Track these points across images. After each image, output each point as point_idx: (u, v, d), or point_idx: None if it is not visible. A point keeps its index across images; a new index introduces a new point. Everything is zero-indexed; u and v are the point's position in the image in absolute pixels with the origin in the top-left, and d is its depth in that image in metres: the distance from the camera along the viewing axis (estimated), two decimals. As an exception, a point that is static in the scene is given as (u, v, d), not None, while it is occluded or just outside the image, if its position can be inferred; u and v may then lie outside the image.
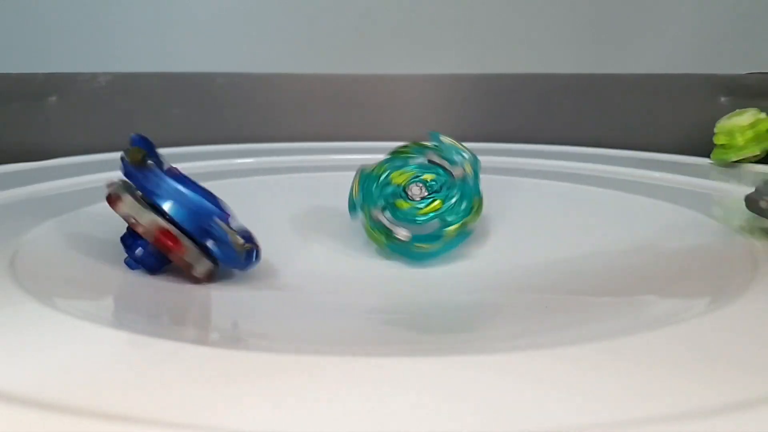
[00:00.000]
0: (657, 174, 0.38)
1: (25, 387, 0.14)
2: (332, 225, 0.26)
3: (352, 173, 0.30)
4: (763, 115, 0.40)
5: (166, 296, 0.23)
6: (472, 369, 0.15)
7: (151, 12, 0.53)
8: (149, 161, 0.21)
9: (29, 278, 0.21)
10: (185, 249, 0.21)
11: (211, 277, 0.22)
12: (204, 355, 0.15)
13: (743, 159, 0.39)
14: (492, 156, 0.45)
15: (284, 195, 0.35)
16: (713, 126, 0.41)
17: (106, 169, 0.39)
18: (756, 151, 0.39)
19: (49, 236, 0.26)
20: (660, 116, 0.52)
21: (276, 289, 0.24)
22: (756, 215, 0.25)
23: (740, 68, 0.51)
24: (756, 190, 0.26)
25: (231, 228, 0.21)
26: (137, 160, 0.21)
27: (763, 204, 0.25)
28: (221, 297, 0.24)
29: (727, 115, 0.40)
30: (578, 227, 0.31)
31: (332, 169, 0.36)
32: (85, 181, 0.37)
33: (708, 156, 0.41)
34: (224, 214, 0.21)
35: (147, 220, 0.21)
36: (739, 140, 0.39)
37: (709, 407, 0.13)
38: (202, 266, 0.22)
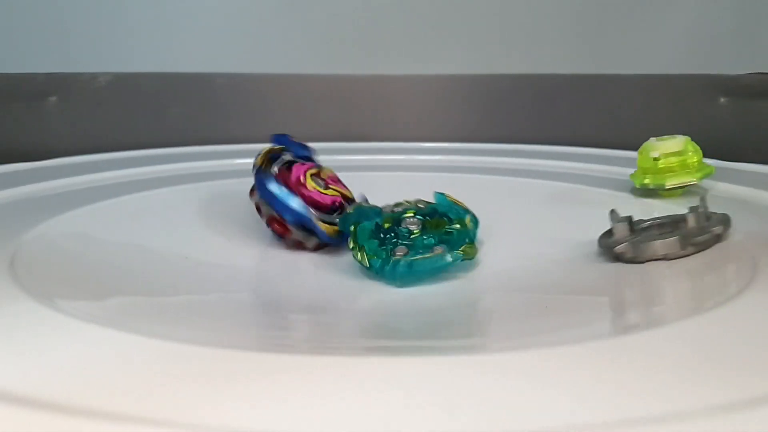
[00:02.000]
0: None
1: (25, 387, 0.14)
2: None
3: (353, 173, 0.30)
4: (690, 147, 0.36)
5: (164, 297, 0.23)
6: (471, 369, 0.15)
7: (151, 12, 0.53)
8: (271, 165, 0.27)
9: (29, 278, 0.21)
10: (292, 233, 0.27)
11: (320, 246, 0.27)
12: (203, 356, 0.15)
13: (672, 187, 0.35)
14: (491, 156, 0.45)
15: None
16: (713, 126, 0.40)
17: (106, 168, 0.39)
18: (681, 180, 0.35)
19: (49, 236, 0.26)
20: (659, 116, 0.52)
21: (271, 289, 0.24)
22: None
23: (739, 68, 0.51)
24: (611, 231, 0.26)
25: (319, 219, 0.27)
26: (259, 163, 0.28)
27: (619, 248, 0.24)
28: (218, 297, 0.24)
29: (656, 139, 0.37)
30: (577, 227, 0.31)
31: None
32: (85, 181, 0.37)
33: (708, 156, 0.41)
34: (306, 211, 0.27)
35: (265, 211, 0.27)
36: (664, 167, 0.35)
37: (709, 407, 0.13)
38: (311, 242, 0.27)
